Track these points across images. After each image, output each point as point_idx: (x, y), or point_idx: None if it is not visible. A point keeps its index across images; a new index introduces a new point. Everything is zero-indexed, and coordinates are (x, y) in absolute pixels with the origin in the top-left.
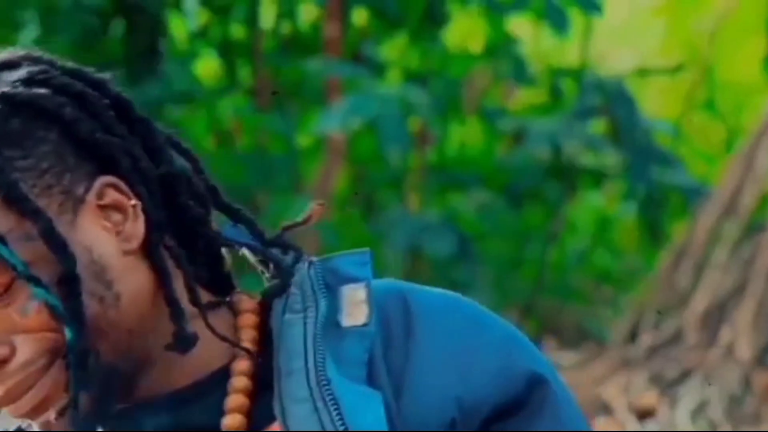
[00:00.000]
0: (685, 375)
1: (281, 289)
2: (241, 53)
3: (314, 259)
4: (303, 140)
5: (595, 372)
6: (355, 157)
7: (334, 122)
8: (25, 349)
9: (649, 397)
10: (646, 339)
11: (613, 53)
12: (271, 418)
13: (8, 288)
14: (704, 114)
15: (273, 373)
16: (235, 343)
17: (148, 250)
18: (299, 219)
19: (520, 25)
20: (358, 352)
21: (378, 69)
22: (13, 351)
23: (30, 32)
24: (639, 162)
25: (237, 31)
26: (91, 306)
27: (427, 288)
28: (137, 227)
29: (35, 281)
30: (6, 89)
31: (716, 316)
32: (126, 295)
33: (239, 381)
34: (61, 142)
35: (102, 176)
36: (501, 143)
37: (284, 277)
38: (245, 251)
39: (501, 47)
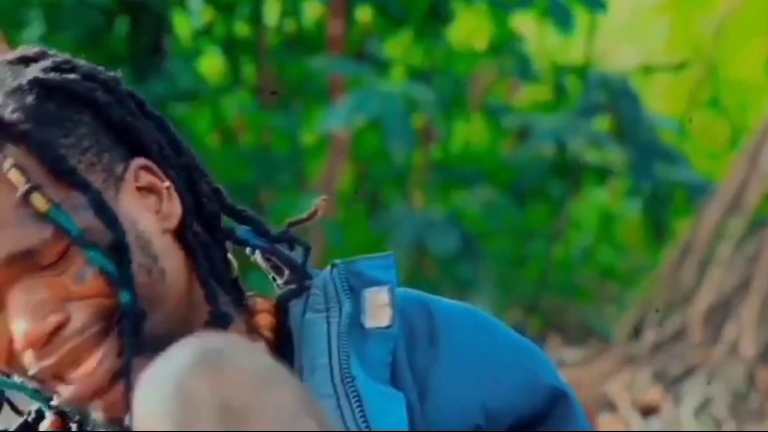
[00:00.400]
0: (689, 372)
1: (299, 291)
2: (246, 51)
3: (338, 261)
4: (307, 138)
5: (599, 369)
6: (359, 154)
7: (338, 120)
8: (80, 315)
9: (653, 394)
10: (650, 336)
11: (617, 51)
12: None
13: (63, 255)
14: (709, 111)
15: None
16: (256, 330)
17: (181, 232)
18: (304, 215)
19: (525, 23)
20: (381, 353)
21: (382, 66)
22: (67, 318)
23: (34, 30)
24: (643, 159)
25: (241, 28)
26: (141, 276)
27: (447, 299)
28: (173, 207)
29: (91, 246)
30: (37, 74)
31: (720, 313)
32: (169, 271)
33: None
34: (96, 125)
35: (136, 158)
36: (505, 140)
37: (302, 277)
38: (257, 256)
39: (505, 44)
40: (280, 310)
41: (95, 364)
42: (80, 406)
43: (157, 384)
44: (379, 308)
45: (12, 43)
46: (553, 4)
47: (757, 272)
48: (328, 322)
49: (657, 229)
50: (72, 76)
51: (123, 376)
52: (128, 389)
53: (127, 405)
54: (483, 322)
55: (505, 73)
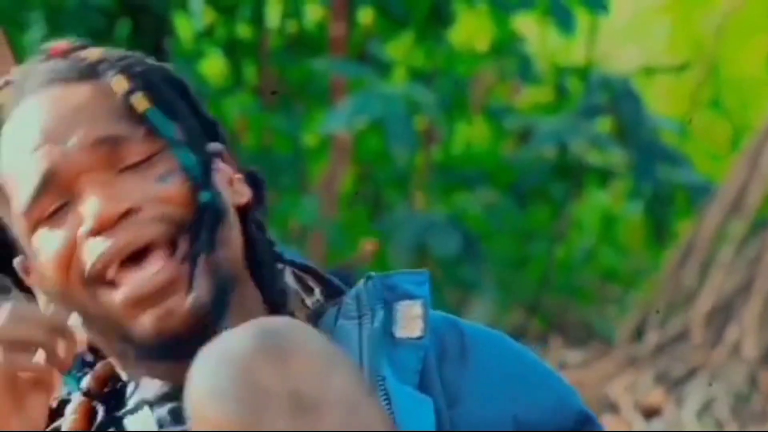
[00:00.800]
0: (691, 374)
1: (333, 301)
2: (247, 52)
3: (373, 274)
4: (309, 140)
5: (602, 371)
6: (360, 156)
7: (339, 121)
8: (153, 210)
9: (655, 396)
10: (652, 337)
11: (618, 52)
12: None
13: (148, 159)
14: (710, 112)
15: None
16: (292, 314)
17: (245, 218)
18: (351, 259)
19: (526, 24)
20: (412, 361)
21: (384, 68)
22: (140, 208)
23: (36, 32)
24: (645, 160)
25: (243, 30)
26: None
27: (475, 323)
28: (245, 189)
29: (183, 146)
30: (137, 53)
31: (722, 314)
32: (234, 231)
33: None
34: (184, 105)
35: (214, 143)
36: (507, 142)
37: (335, 291)
38: (288, 276)
39: (507, 46)
40: (311, 321)
41: (159, 264)
42: (129, 317)
43: (219, 363)
44: (411, 320)
45: (13, 45)
46: (555, 5)
47: (759, 274)
48: (360, 327)
49: (658, 231)
50: (166, 64)
51: (192, 264)
52: (190, 285)
53: (183, 317)
54: (511, 345)
55: (507, 74)
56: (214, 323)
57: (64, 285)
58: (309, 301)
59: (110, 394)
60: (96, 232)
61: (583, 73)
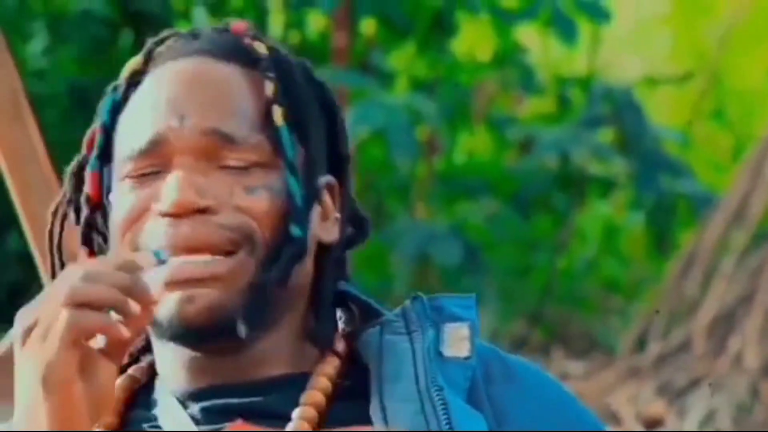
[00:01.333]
0: (693, 384)
1: (372, 323)
2: None
3: (420, 294)
4: None
5: (604, 382)
6: (363, 165)
7: None
8: (226, 217)
9: (657, 407)
10: (654, 348)
11: (621, 62)
12: (343, 424)
13: (248, 168)
14: (713, 122)
15: (359, 390)
16: (338, 354)
17: (324, 256)
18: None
19: (529, 34)
20: (460, 379)
21: (386, 78)
22: (216, 211)
23: (39, 42)
24: (647, 171)
25: None
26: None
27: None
28: (336, 228)
29: (297, 173)
30: (304, 62)
31: (724, 325)
32: (307, 264)
33: (320, 381)
34: (321, 126)
35: (329, 175)
36: (509, 152)
37: (376, 312)
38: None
39: (509, 56)
40: (350, 341)
41: (208, 259)
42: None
43: None
44: (459, 341)
45: (15, 54)
46: (557, 16)
47: (761, 284)
48: (412, 341)
49: (661, 241)
50: (326, 84)
51: (259, 289)
52: (238, 307)
53: (199, 309)
54: (550, 377)
55: (509, 84)
56: (236, 333)
57: (119, 246)
58: (345, 322)
59: (143, 389)
60: (166, 215)
61: (585, 83)
